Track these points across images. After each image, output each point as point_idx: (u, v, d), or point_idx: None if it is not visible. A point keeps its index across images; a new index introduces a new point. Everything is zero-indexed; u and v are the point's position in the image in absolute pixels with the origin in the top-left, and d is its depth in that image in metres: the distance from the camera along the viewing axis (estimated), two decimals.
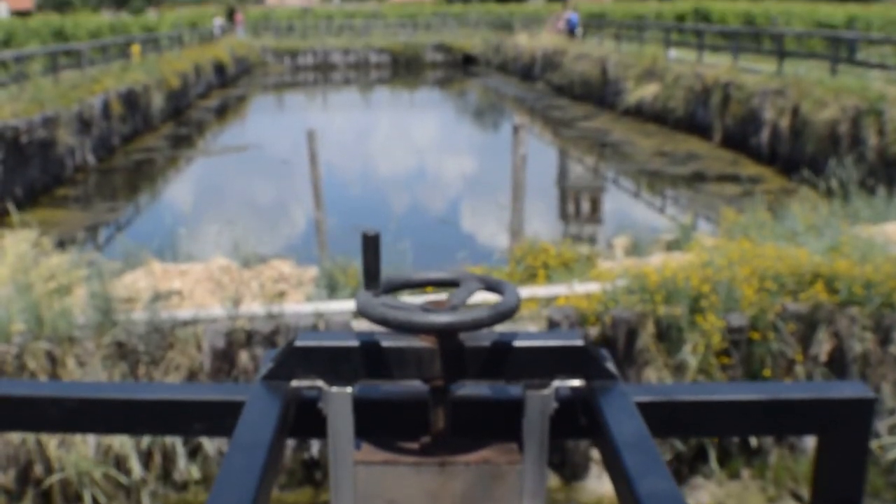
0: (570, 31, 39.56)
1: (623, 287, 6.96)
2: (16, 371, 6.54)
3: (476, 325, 1.41)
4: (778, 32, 24.64)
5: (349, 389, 1.48)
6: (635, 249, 8.72)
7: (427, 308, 1.46)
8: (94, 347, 6.61)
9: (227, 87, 40.98)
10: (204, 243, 10.46)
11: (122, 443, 6.52)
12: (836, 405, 1.45)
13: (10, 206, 11.46)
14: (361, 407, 1.50)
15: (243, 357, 6.64)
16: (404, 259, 7.73)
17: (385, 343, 1.47)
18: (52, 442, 6.45)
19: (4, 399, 1.50)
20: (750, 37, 29.98)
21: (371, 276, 1.52)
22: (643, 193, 18.87)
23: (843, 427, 1.44)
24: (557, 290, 7.23)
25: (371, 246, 1.50)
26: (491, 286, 1.57)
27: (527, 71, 41.30)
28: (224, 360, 6.61)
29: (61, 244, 10.52)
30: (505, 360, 1.47)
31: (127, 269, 7.87)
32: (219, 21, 52.94)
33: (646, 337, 6.76)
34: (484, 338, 1.47)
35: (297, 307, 6.96)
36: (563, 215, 17.51)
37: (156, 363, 6.63)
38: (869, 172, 14.74)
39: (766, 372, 6.83)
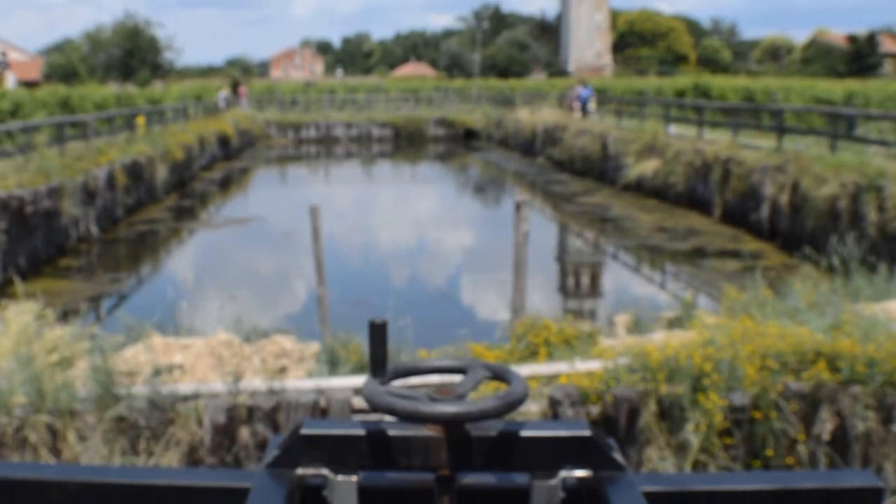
0: (583, 106, 39.01)
1: (625, 365, 6.94)
2: (16, 444, 6.50)
3: (483, 416, 1.42)
4: (777, 108, 24.86)
5: (355, 478, 1.48)
6: (637, 326, 8.72)
7: (434, 397, 1.47)
8: (96, 421, 6.58)
9: (231, 159, 41.26)
10: (206, 317, 10.45)
11: None
12: (845, 494, 1.45)
13: (14, 277, 11.49)
14: (367, 495, 1.50)
15: (244, 433, 6.60)
16: (405, 335, 7.72)
17: (391, 432, 1.48)
18: None
19: (6, 482, 1.50)
20: (749, 113, 30.24)
21: (378, 364, 1.53)
22: (644, 269, 18.90)
23: None
24: (559, 367, 7.21)
25: (378, 334, 1.51)
26: (498, 375, 1.58)
27: (528, 146, 41.60)
28: (225, 435, 6.58)
29: (64, 315, 10.52)
30: (512, 449, 1.48)
31: (129, 343, 7.87)
32: (223, 94, 53.47)
33: (647, 416, 6.73)
34: (491, 427, 1.48)
35: (299, 383, 6.95)
36: (564, 290, 17.51)
37: (157, 438, 6.60)
38: (870, 249, 14.76)
39: (769, 452, 6.79)
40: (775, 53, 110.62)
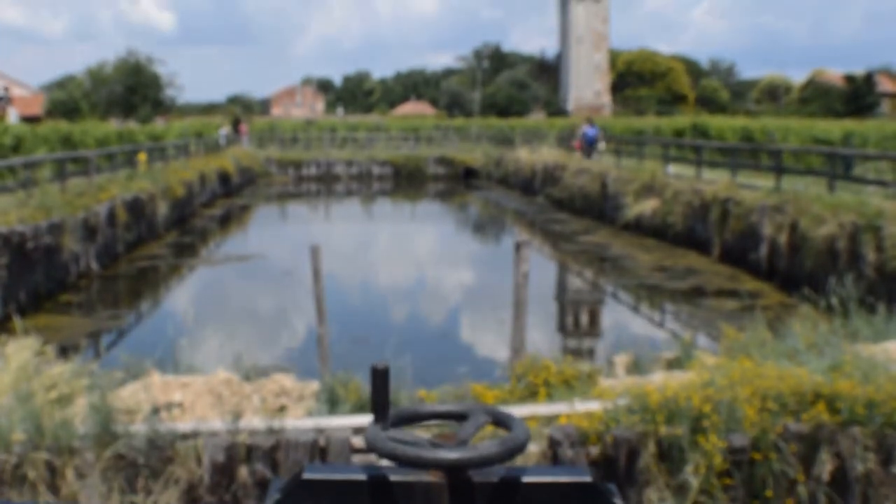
0: (589, 146, 38.35)
1: (624, 406, 6.94)
2: (15, 481, 6.48)
3: (485, 463, 1.44)
4: (775, 149, 24.97)
5: None
6: (636, 367, 8.72)
7: (435, 443, 1.49)
8: (94, 459, 6.57)
9: (232, 196, 41.36)
10: (205, 354, 10.45)
11: None
12: None
13: (14, 312, 11.49)
14: None
15: (243, 472, 6.59)
16: (404, 374, 7.72)
17: (393, 477, 1.49)
18: None
19: None
20: (748, 153, 30.38)
21: (380, 409, 1.55)
22: (643, 308, 18.90)
23: None
24: (559, 408, 7.21)
25: (380, 379, 1.53)
26: (499, 420, 1.60)
27: (527, 185, 41.72)
28: (224, 474, 6.56)
29: (63, 351, 10.52)
30: (513, 495, 1.49)
31: (128, 380, 7.86)
32: (224, 131, 53.67)
33: (647, 457, 6.72)
34: (492, 473, 1.49)
35: (298, 422, 6.94)
36: (563, 329, 17.50)
37: (155, 476, 6.58)
38: (868, 289, 14.77)
39: (769, 493, 6.78)
40: (773, 93, 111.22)
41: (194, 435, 6.71)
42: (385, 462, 1.51)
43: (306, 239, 10.79)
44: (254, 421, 6.88)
